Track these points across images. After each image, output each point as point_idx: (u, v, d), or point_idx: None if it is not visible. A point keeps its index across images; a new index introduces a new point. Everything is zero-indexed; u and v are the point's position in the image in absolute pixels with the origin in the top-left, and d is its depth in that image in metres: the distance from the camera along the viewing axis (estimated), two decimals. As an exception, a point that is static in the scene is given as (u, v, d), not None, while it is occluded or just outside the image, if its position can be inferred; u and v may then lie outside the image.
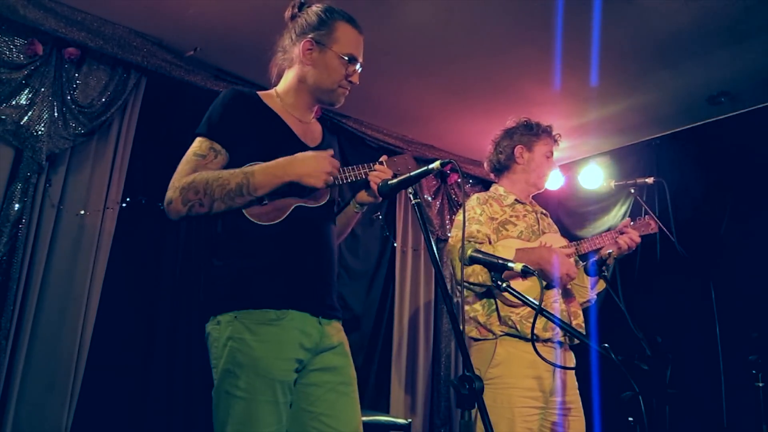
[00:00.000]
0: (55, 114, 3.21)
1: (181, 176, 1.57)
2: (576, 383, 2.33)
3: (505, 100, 4.05)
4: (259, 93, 1.78)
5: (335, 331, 1.70)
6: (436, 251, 1.44)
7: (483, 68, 3.69)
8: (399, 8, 3.11)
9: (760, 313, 3.39)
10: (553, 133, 2.59)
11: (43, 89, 3.18)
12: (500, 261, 1.54)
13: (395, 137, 4.64)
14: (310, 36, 1.73)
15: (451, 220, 5.00)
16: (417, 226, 4.79)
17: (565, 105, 4.07)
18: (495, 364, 2.24)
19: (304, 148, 1.71)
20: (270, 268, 1.60)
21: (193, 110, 3.76)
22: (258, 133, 1.66)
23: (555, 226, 2.61)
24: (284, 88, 1.80)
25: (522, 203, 2.49)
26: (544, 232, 2.45)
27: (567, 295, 2.36)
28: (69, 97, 3.28)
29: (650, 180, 2.43)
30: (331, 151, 1.67)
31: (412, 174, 1.56)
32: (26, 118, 3.13)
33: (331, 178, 1.62)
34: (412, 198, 1.56)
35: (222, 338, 1.55)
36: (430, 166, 1.54)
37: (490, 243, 2.32)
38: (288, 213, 1.63)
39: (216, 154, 1.62)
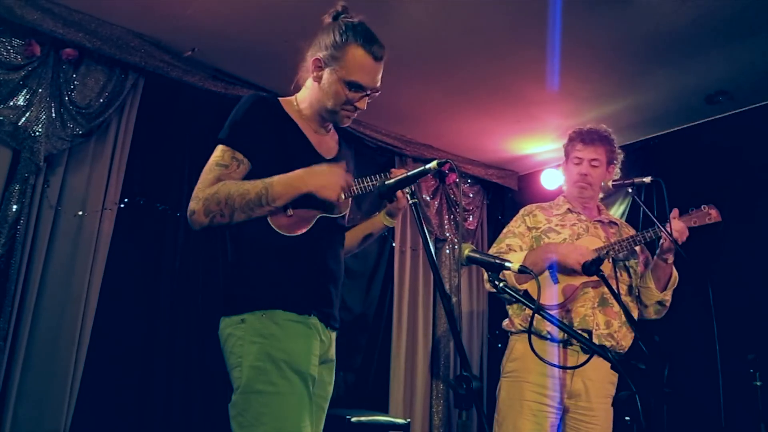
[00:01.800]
0: (53, 115, 3.21)
1: (204, 186, 1.57)
2: (605, 391, 2.29)
3: (503, 100, 4.06)
4: (280, 99, 1.77)
5: (332, 343, 1.76)
6: (433, 251, 1.45)
7: (481, 68, 3.69)
8: (398, 8, 3.11)
9: (758, 312, 3.39)
10: (582, 131, 2.48)
11: (40, 90, 3.18)
12: (497, 261, 1.53)
13: (394, 137, 4.64)
14: (320, 55, 1.70)
15: (450, 220, 5.00)
16: (415, 226, 4.78)
17: (563, 104, 4.07)
18: (513, 358, 2.36)
19: (320, 159, 1.73)
20: (295, 274, 1.63)
21: (191, 110, 3.79)
22: (277, 142, 1.67)
23: (622, 234, 2.49)
24: (302, 98, 1.80)
25: (575, 213, 2.49)
26: (594, 239, 2.41)
27: (603, 304, 2.31)
28: (67, 98, 3.27)
29: (648, 179, 2.41)
30: (344, 165, 1.69)
31: (409, 174, 1.56)
32: (24, 118, 3.13)
33: (343, 192, 1.64)
34: (409, 198, 1.57)
35: (248, 336, 1.55)
36: (427, 166, 1.54)
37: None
38: (312, 224, 1.66)
39: (239, 164, 1.62)
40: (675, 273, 2.39)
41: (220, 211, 1.54)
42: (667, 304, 2.41)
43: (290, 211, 1.63)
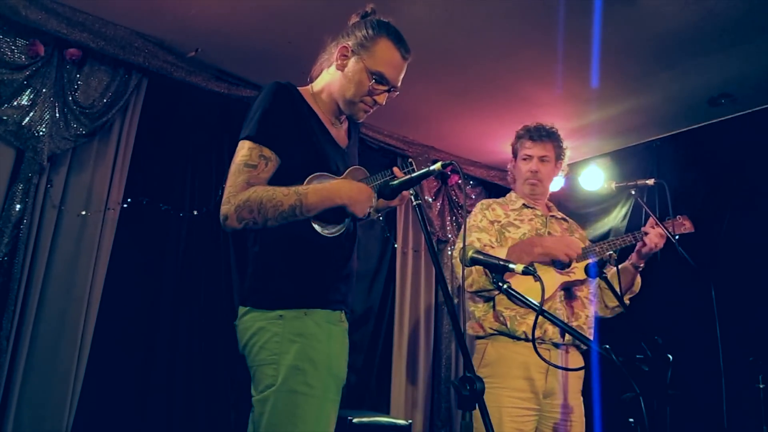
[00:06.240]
0: (57, 115, 3.22)
1: (235, 190, 1.54)
2: (579, 387, 2.31)
3: (506, 102, 4.06)
4: (299, 88, 1.75)
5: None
6: (436, 252, 1.45)
7: (484, 70, 3.69)
8: (400, 10, 3.11)
9: (761, 315, 3.39)
10: (530, 129, 2.51)
11: (44, 90, 3.19)
12: (501, 262, 1.54)
13: (396, 138, 4.65)
14: (349, 43, 1.71)
15: (452, 221, 5.00)
16: (417, 228, 4.79)
17: (566, 107, 4.07)
18: (485, 364, 2.27)
19: (339, 149, 1.75)
20: (333, 273, 1.65)
21: (195, 111, 3.80)
22: (304, 133, 1.66)
23: (579, 232, 2.56)
24: (318, 89, 1.79)
25: (531, 207, 2.51)
26: (552, 235, 2.44)
27: (570, 296, 2.33)
28: (70, 98, 3.28)
29: (651, 181, 2.43)
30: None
31: (413, 175, 1.57)
32: (28, 118, 3.14)
33: (368, 211, 1.64)
34: (413, 199, 1.56)
35: (286, 333, 1.53)
36: (431, 168, 1.54)
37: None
38: (345, 223, 1.67)
39: (267, 162, 1.59)
40: (639, 280, 2.41)
41: (253, 219, 1.52)
42: (625, 308, 2.40)
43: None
